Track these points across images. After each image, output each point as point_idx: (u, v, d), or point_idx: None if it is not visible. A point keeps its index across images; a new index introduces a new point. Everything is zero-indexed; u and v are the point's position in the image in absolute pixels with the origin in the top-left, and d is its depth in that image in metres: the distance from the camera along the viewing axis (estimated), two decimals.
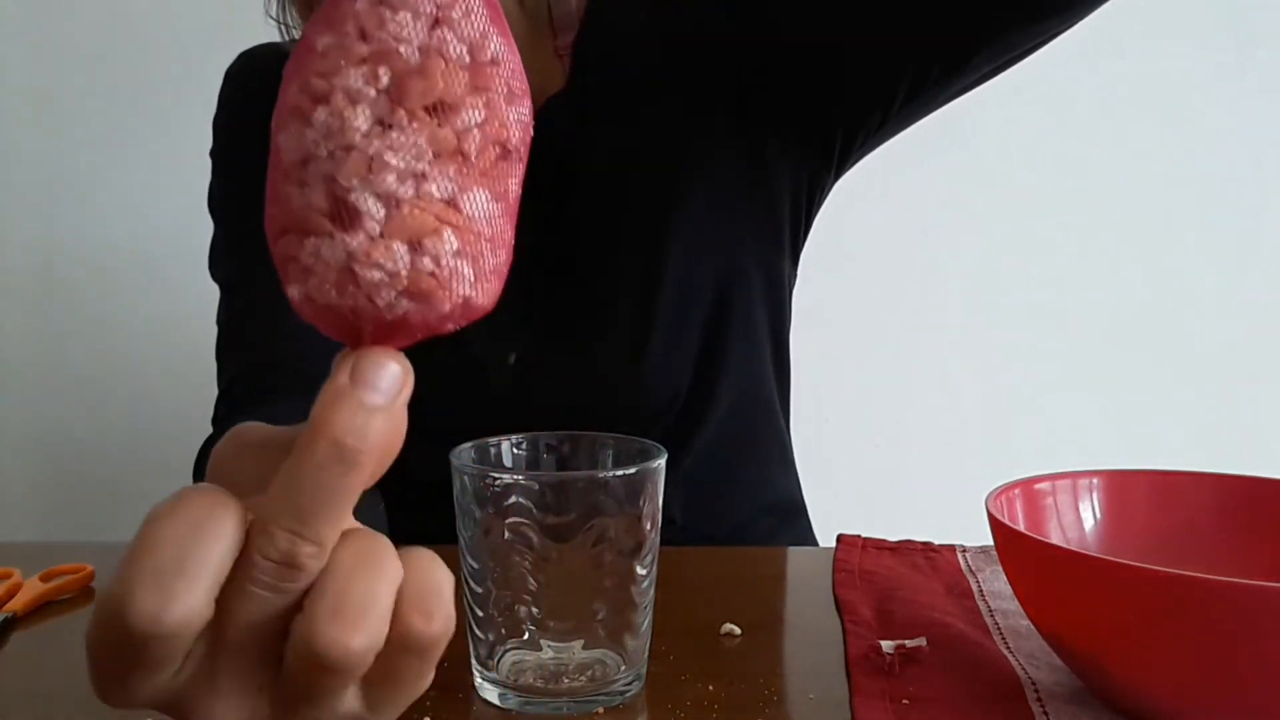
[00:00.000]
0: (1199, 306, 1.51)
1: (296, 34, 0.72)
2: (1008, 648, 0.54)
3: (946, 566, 0.67)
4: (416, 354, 0.28)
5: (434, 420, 0.50)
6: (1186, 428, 1.51)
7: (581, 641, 0.48)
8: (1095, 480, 0.58)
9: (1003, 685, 0.50)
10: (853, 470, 1.46)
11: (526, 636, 0.48)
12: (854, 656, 0.53)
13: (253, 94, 0.81)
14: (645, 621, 0.50)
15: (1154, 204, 1.50)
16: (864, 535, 0.72)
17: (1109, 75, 1.47)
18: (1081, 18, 0.66)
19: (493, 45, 0.27)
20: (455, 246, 0.26)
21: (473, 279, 0.27)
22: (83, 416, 1.47)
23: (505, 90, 0.27)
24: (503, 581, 0.47)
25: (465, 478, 0.48)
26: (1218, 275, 1.51)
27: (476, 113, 0.27)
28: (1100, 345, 1.51)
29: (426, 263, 0.26)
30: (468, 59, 0.27)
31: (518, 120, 0.28)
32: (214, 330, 0.78)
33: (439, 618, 0.27)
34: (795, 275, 0.82)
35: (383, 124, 0.26)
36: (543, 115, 0.73)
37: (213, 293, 0.80)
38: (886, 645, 0.52)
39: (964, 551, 0.70)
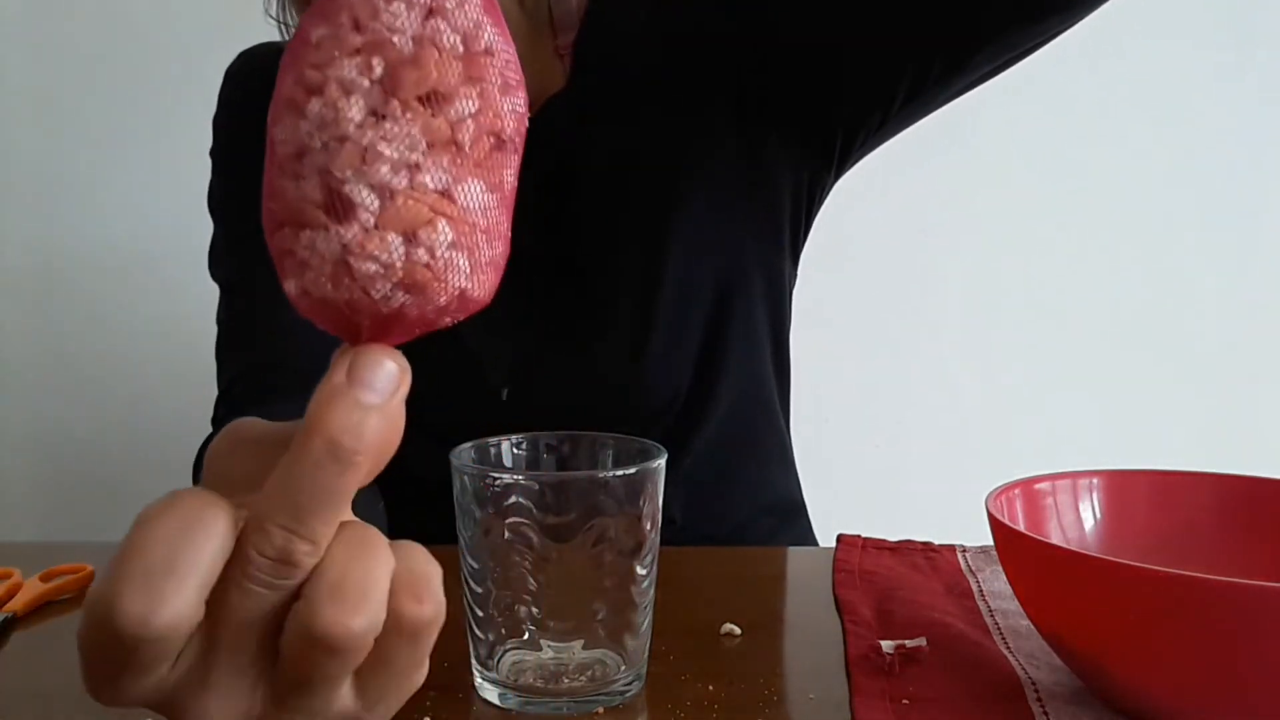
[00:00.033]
0: (1199, 306, 1.51)
1: None
2: (1008, 648, 0.54)
3: (946, 566, 0.67)
4: (415, 352, 0.28)
5: (433, 420, 0.50)
6: (1186, 428, 1.51)
7: (581, 641, 0.48)
8: (1095, 480, 0.58)
9: (1003, 685, 0.50)
10: (853, 470, 1.46)
11: (526, 636, 0.48)
12: (854, 656, 0.53)
13: (253, 93, 0.81)
14: (645, 621, 0.50)
15: (1154, 204, 1.50)
16: (864, 535, 0.72)
17: (1109, 75, 1.47)
18: (1082, 17, 0.66)
19: (486, 36, 0.27)
20: (450, 238, 0.26)
21: (468, 271, 0.27)
22: (83, 416, 1.47)
23: (500, 81, 0.27)
24: (503, 581, 0.47)
25: (465, 478, 0.48)
26: (1218, 275, 1.51)
27: (470, 103, 0.26)
28: (1100, 345, 1.51)
29: (421, 254, 0.26)
30: (461, 49, 0.26)
31: (512, 111, 0.27)
32: (214, 330, 0.78)
33: (430, 601, 0.27)
34: (795, 275, 0.82)
35: (376, 114, 0.26)
36: (543, 115, 0.73)
37: (213, 293, 0.80)
38: (886, 645, 0.52)
39: (964, 551, 0.70)
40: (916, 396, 1.52)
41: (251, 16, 0.75)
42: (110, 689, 0.26)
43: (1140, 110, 1.48)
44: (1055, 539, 0.55)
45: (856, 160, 0.78)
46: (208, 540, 0.24)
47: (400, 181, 0.26)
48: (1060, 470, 0.58)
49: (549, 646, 0.48)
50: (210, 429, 0.73)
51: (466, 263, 0.27)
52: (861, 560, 0.68)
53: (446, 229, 0.26)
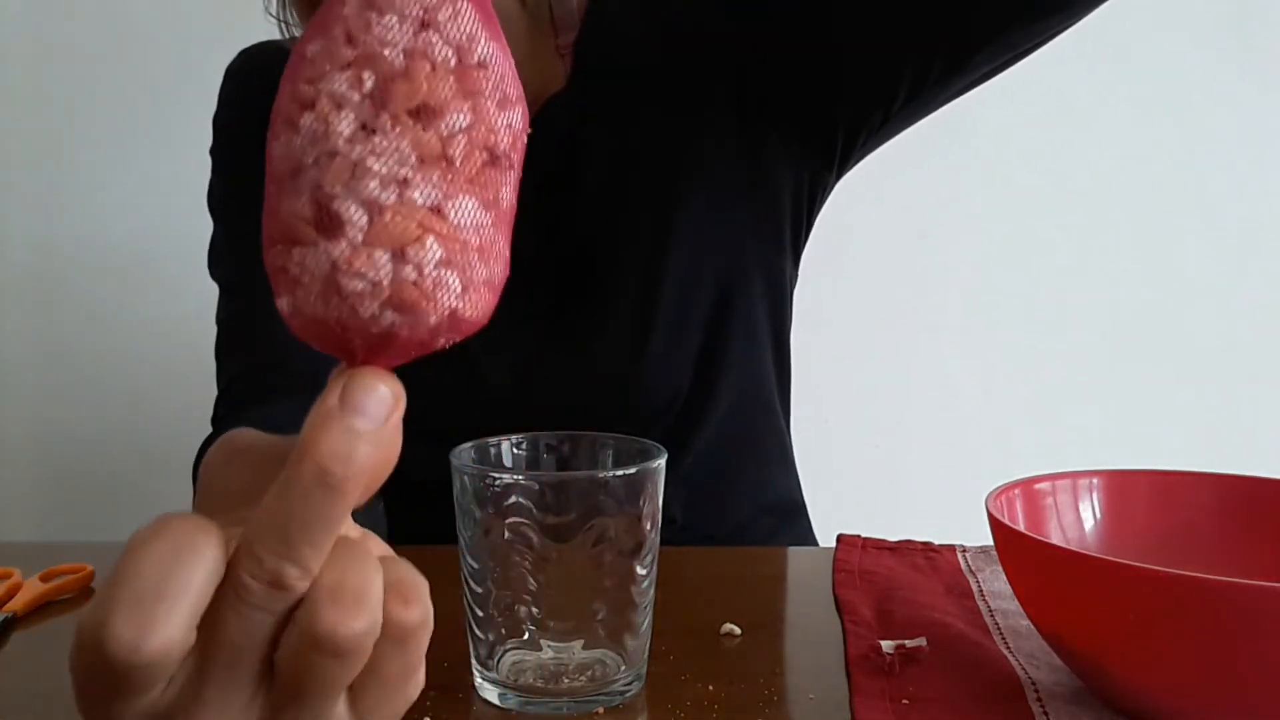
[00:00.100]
0: (1199, 307, 1.51)
1: (297, 32, 0.72)
2: (1008, 648, 0.54)
3: (946, 566, 0.67)
4: None
5: (434, 420, 0.50)
6: (1186, 428, 1.51)
7: (581, 641, 0.48)
8: (1095, 480, 0.58)
9: (1003, 685, 0.50)
10: (853, 470, 1.46)
11: (526, 636, 0.48)
12: (854, 656, 0.53)
13: (253, 92, 0.81)
14: (645, 621, 0.50)
15: (1154, 204, 1.50)
16: (864, 535, 0.72)
17: (1109, 75, 1.47)
18: (1081, 17, 0.66)
19: (480, 48, 0.26)
20: (439, 255, 0.25)
21: (459, 290, 0.26)
22: (83, 416, 1.47)
23: (496, 95, 0.27)
24: (503, 581, 0.47)
25: (465, 478, 0.48)
26: (1218, 275, 1.51)
27: (462, 117, 0.26)
28: (1100, 345, 1.51)
29: (409, 272, 0.25)
30: (454, 62, 0.26)
31: (507, 126, 0.27)
32: (214, 330, 0.78)
33: (418, 605, 0.27)
34: (796, 275, 0.82)
35: (366, 129, 0.25)
36: (543, 115, 0.73)
37: (212, 292, 0.80)
38: (886, 645, 0.52)
39: (964, 551, 0.69)
40: (916, 396, 1.52)
41: (251, 16, 0.75)
42: (103, 712, 0.26)
43: (1140, 110, 1.48)
44: (1055, 539, 0.55)
45: (857, 160, 0.78)
46: (198, 565, 0.24)
47: (389, 197, 0.25)
48: (1060, 470, 0.58)
49: (549, 646, 0.48)
50: (210, 429, 0.73)
51: (458, 282, 0.26)
52: (861, 560, 0.68)
53: (435, 246, 0.25)
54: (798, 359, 0.84)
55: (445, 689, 0.49)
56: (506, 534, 0.47)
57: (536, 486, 0.46)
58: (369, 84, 0.25)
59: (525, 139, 0.28)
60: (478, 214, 0.26)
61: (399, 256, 0.25)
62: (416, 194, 0.25)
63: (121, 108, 1.43)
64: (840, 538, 0.71)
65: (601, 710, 0.48)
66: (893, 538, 0.72)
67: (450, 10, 0.26)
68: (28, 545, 0.77)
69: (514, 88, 0.27)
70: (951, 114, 0.75)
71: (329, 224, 0.25)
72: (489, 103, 0.26)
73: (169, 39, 1.41)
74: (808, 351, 0.91)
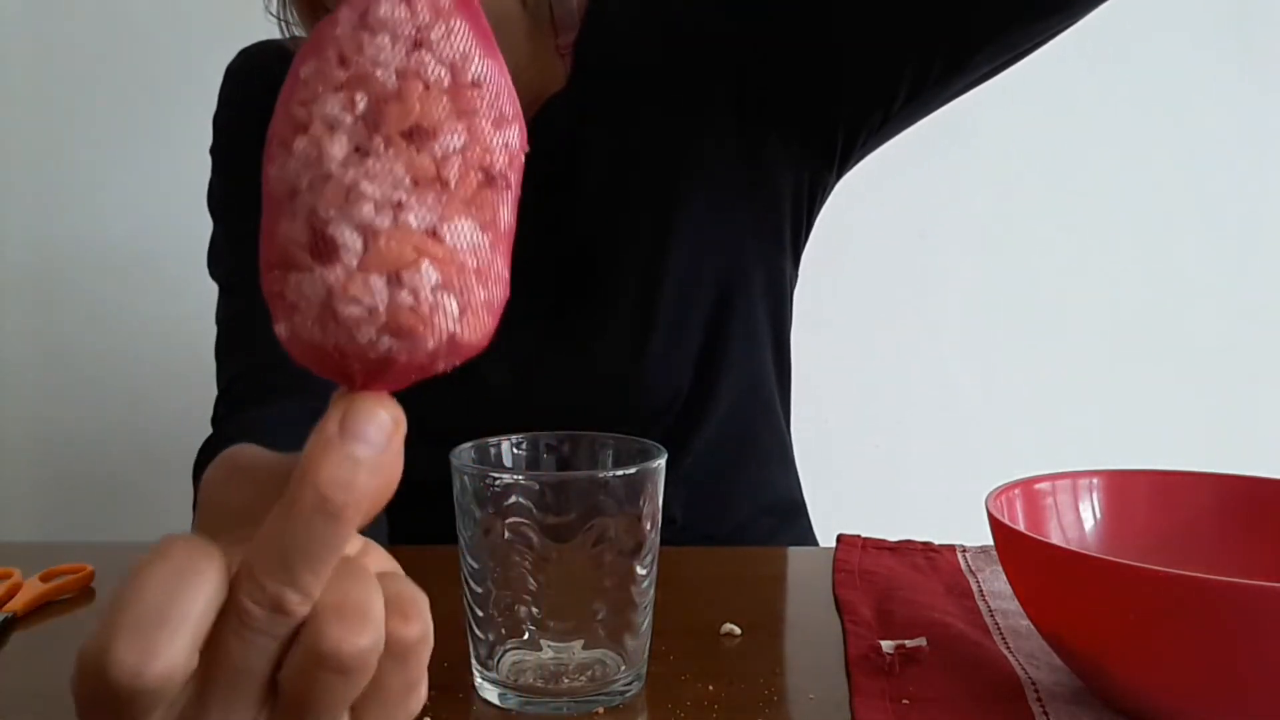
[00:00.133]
0: (1199, 307, 1.51)
1: (298, 31, 0.72)
2: (1008, 648, 0.54)
3: (946, 566, 0.67)
4: None
5: (433, 420, 0.50)
6: (1186, 428, 1.51)
7: (581, 641, 0.48)
8: (1095, 480, 0.58)
9: (1003, 685, 0.50)
10: (853, 470, 1.46)
11: (526, 636, 0.48)
12: (854, 656, 0.53)
13: (253, 91, 0.81)
14: (645, 621, 0.50)
15: (1154, 204, 1.50)
16: (864, 535, 0.72)
17: (1109, 75, 1.47)
18: (1081, 17, 0.66)
19: (475, 67, 0.26)
20: (436, 279, 0.25)
21: (457, 314, 0.26)
22: (83, 416, 1.47)
23: (492, 113, 0.26)
24: (503, 581, 0.47)
25: (465, 478, 0.48)
26: (1218, 275, 1.51)
27: (457, 138, 0.25)
28: (1100, 345, 1.51)
29: (405, 297, 0.25)
30: (448, 81, 0.26)
31: (504, 145, 0.26)
32: (214, 330, 0.78)
33: (418, 620, 0.27)
34: (796, 275, 0.82)
35: (360, 151, 0.25)
36: (543, 114, 0.73)
37: (213, 292, 0.80)
38: (886, 645, 0.52)
39: (964, 551, 0.70)
40: (916, 396, 1.52)
41: (251, 15, 0.75)
42: None
43: (1140, 110, 1.48)
44: (1055, 539, 0.55)
45: (857, 160, 0.78)
46: (200, 590, 0.24)
47: (383, 221, 0.25)
48: (1060, 470, 0.58)
49: (549, 646, 0.48)
50: (210, 429, 0.73)
51: (455, 305, 0.25)
52: (861, 560, 0.68)
53: (431, 270, 0.25)
54: (798, 359, 0.84)
55: (445, 689, 0.49)
56: (506, 534, 0.47)
57: (536, 486, 0.46)
58: (361, 106, 0.25)
59: (523, 157, 0.27)
60: (474, 236, 0.26)
61: (395, 281, 0.25)
62: (411, 217, 0.25)
63: (121, 108, 1.43)
64: (840, 538, 0.71)
65: (601, 710, 0.48)
66: (893, 538, 0.72)
67: (444, 28, 0.26)
68: (28, 545, 0.77)
69: (510, 105, 0.27)
70: (951, 114, 0.75)
71: (324, 249, 0.25)
72: (484, 122, 0.26)
73: (169, 39, 1.41)
74: (808, 351, 0.91)
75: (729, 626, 0.57)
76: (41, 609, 0.62)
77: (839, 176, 0.79)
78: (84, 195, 1.45)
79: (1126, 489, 0.58)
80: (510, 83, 0.27)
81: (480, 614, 0.48)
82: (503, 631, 0.48)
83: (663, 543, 0.50)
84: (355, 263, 0.25)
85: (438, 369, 0.27)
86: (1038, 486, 0.56)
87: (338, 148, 0.25)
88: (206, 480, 0.28)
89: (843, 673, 0.52)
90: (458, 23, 0.26)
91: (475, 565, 0.48)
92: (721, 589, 0.65)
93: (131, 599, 0.24)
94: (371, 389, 0.26)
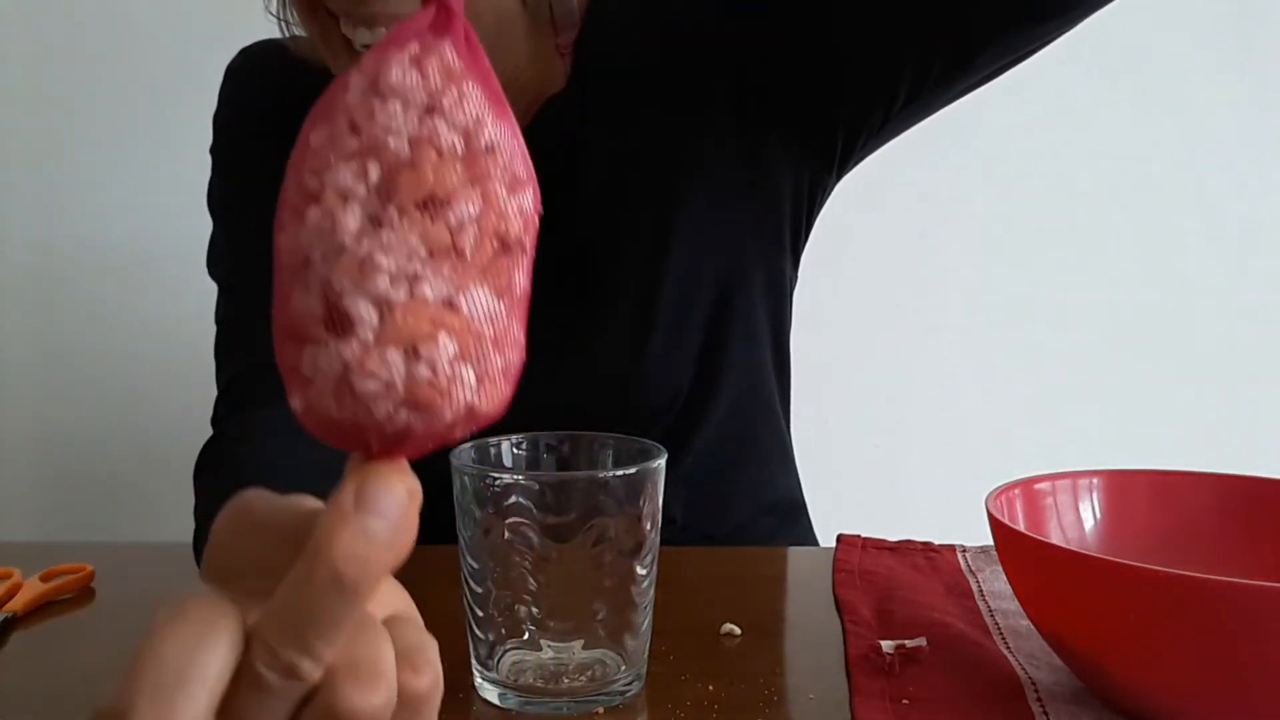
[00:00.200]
0: (1199, 306, 1.51)
1: (298, 31, 0.72)
2: (1008, 648, 0.54)
3: (946, 566, 0.67)
4: None
5: None
6: (1186, 428, 1.51)
7: (581, 641, 0.48)
8: (1095, 480, 0.58)
9: (1003, 685, 0.50)
10: (853, 470, 1.46)
11: (526, 636, 0.48)
12: (854, 656, 0.53)
13: (254, 91, 0.81)
14: (645, 621, 0.50)
15: (1154, 204, 1.50)
16: (864, 535, 0.72)
17: (1109, 75, 1.47)
18: (1079, 21, 0.66)
19: (489, 131, 0.25)
20: (454, 351, 0.25)
21: (475, 384, 0.25)
22: (83, 416, 1.47)
23: (506, 178, 0.26)
24: (503, 581, 0.47)
25: (465, 478, 0.48)
26: (1218, 275, 1.51)
27: (472, 206, 0.25)
28: (1100, 345, 1.51)
29: (423, 370, 0.24)
30: (461, 148, 0.25)
31: (518, 210, 0.26)
32: (214, 330, 0.78)
33: (428, 672, 0.27)
34: (796, 276, 0.82)
35: (375, 222, 0.24)
36: (543, 114, 0.73)
37: (213, 292, 0.80)
38: (886, 645, 0.52)
39: (964, 551, 0.70)
40: (916, 396, 1.52)
41: (252, 15, 0.75)
42: None
43: (1140, 111, 1.48)
44: (1055, 539, 0.55)
45: (857, 161, 0.78)
46: (217, 652, 0.25)
47: (399, 294, 0.24)
48: (1060, 470, 0.58)
49: (549, 646, 0.48)
50: (210, 429, 0.73)
51: (473, 376, 0.25)
52: (861, 560, 0.68)
53: (449, 342, 0.25)
54: (798, 359, 0.84)
55: (445, 689, 0.49)
56: (506, 534, 0.47)
57: (536, 486, 0.46)
58: (374, 175, 0.24)
59: (537, 220, 0.27)
60: (491, 304, 0.25)
61: (412, 355, 0.24)
62: (428, 289, 0.24)
63: (121, 108, 1.43)
64: (840, 538, 0.71)
65: (601, 710, 0.48)
66: (893, 538, 0.72)
67: (456, 94, 0.25)
68: (28, 545, 0.77)
69: (524, 168, 0.26)
70: (952, 114, 0.75)
71: (339, 323, 0.24)
72: (499, 187, 0.26)
73: (169, 39, 1.41)
74: (808, 351, 0.91)
75: (729, 626, 0.57)
76: (41, 609, 0.62)
77: (838, 177, 0.79)
78: (84, 195, 1.45)
79: (1126, 489, 0.58)
80: (523, 144, 0.27)
81: (480, 614, 0.48)
82: (503, 631, 0.48)
83: (663, 543, 0.50)
84: (371, 337, 0.24)
85: (455, 438, 0.26)
86: (1038, 486, 0.56)
87: (351, 219, 0.24)
88: (216, 529, 0.28)
89: (843, 673, 0.52)
90: (470, 87, 0.25)
91: (475, 565, 0.48)
92: (721, 589, 0.65)
93: (151, 660, 0.25)
94: (388, 458, 0.26)
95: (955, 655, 0.53)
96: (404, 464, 0.26)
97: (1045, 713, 0.47)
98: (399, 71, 0.25)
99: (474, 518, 0.48)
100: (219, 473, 0.66)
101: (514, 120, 0.26)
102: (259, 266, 0.78)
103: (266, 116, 0.79)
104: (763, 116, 0.74)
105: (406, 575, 0.28)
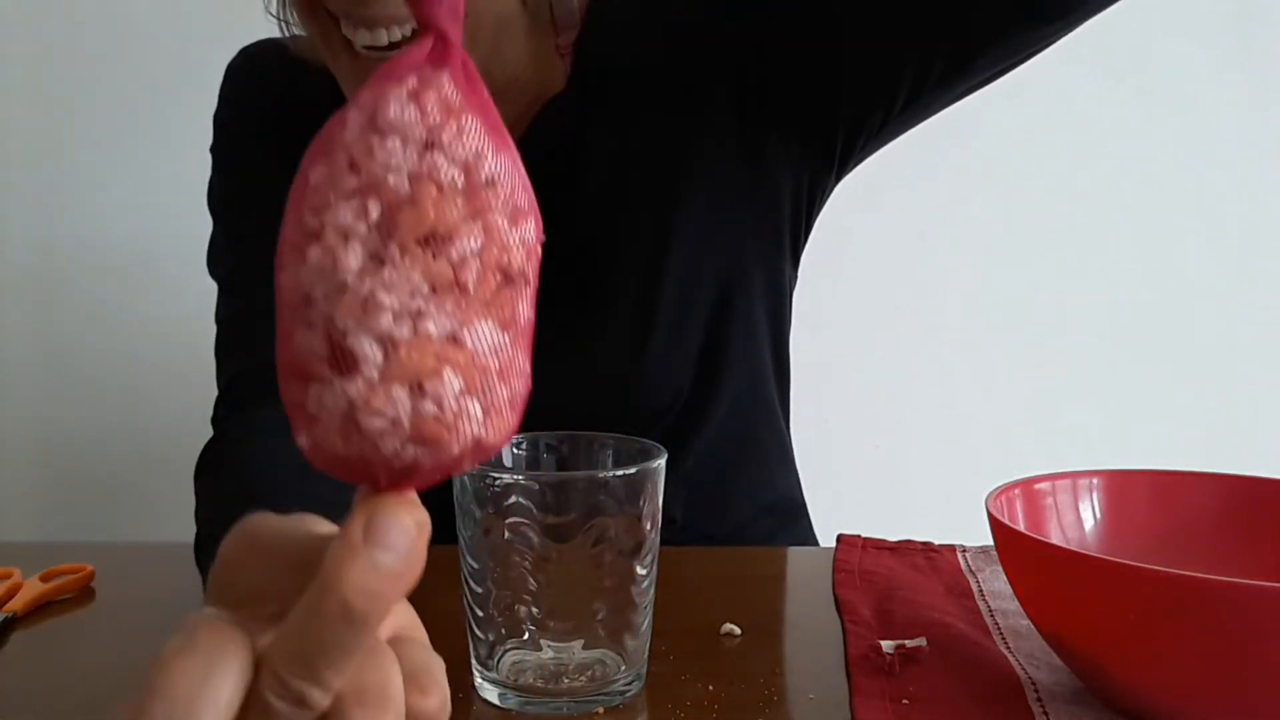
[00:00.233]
0: (1199, 307, 1.51)
1: (298, 31, 0.72)
2: (1008, 648, 0.54)
3: (946, 566, 0.67)
4: None
5: None
6: (1186, 428, 1.51)
7: (581, 641, 0.48)
8: (1095, 480, 0.58)
9: (1003, 685, 0.50)
10: (853, 470, 1.46)
11: (526, 636, 0.48)
12: (854, 656, 0.53)
13: (254, 90, 0.81)
14: (645, 621, 0.50)
15: (1154, 204, 1.50)
16: (864, 535, 0.72)
17: (1109, 76, 1.47)
18: (1077, 26, 0.66)
19: (489, 164, 0.25)
20: (459, 386, 0.25)
21: (481, 418, 0.25)
22: (83, 416, 1.47)
23: (507, 210, 0.26)
24: (503, 581, 0.47)
25: (465, 478, 0.48)
26: (1218, 275, 1.51)
27: (474, 240, 0.25)
28: (1100, 345, 1.51)
29: (429, 406, 0.24)
30: (462, 183, 0.25)
31: (520, 242, 0.26)
32: (214, 330, 0.78)
33: (436, 694, 0.28)
34: (795, 277, 0.82)
35: (376, 260, 0.24)
36: (544, 115, 0.73)
37: (213, 292, 0.80)
38: (886, 645, 0.52)
39: (964, 551, 0.70)
40: (916, 396, 1.52)
41: (252, 15, 0.75)
42: None
43: (1140, 111, 1.48)
44: (1055, 539, 0.55)
45: (856, 163, 0.78)
46: (227, 680, 0.25)
47: (403, 331, 0.24)
48: (1060, 470, 0.58)
49: (549, 646, 0.48)
50: (210, 429, 0.73)
51: (479, 409, 0.25)
52: (861, 560, 0.68)
53: (454, 377, 0.25)
54: (798, 359, 0.84)
55: None
56: (506, 534, 0.47)
57: (536, 486, 0.46)
58: (375, 213, 0.24)
59: (540, 249, 0.27)
60: (496, 336, 0.25)
61: (418, 391, 0.24)
62: (431, 325, 0.24)
63: (121, 108, 1.43)
64: (840, 538, 0.71)
65: (601, 710, 0.48)
66: (893, 538, 0.72)
67: (455, 128, 0.25)
68: (28, 545, 0.77)
69: (525, 197, 0.26)
70: (952, 115, 0.75)
71: (344, 361, 0.24)
72: (500, 219, 0.26)
73: (169, 39, 1.41)
74: (808, 351, 0.91)
75: (729, 626, 0.57)
76: (41, 609, 0.62)
77: (838, 179, 0.79)
78: (84, 195, 1.45)
79: (1126, 489, 0.58)
80: (523, 174, 0.26)
81: (480, 614, 0.48)
82: (503, 631, 0.48)
83: (663, 543, 0.50)
84: (376, 374, 0.24)
85: (463, 469, 0.26)
86: (1038, 486, 0.56)
87: (353, 258, 0.24)
88: (223, 553, 0.29)
89: (843, 673, 0.52)
90: (469, 120, 0.25)
91: (475, 565, 0.48)
92: (721, 589, 0.65)
93: (162, 690, 0.25)
94: (396, 491, 0.26)
95: (955, 655, 0.53)
96: (412, 496, 0.26)
97: (1045, 713, 0.47)
98: (397, 107, 0.25)
99: (474, 518, 0.48)
100: (220, 474, 0.66)
101: (514, 150, 0.26)
102: (259, 266, 0.78)
103: (267, 116, 0.79)
104: (763, 116, 0.74)
105: None
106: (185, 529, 0.65)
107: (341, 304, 0.24)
